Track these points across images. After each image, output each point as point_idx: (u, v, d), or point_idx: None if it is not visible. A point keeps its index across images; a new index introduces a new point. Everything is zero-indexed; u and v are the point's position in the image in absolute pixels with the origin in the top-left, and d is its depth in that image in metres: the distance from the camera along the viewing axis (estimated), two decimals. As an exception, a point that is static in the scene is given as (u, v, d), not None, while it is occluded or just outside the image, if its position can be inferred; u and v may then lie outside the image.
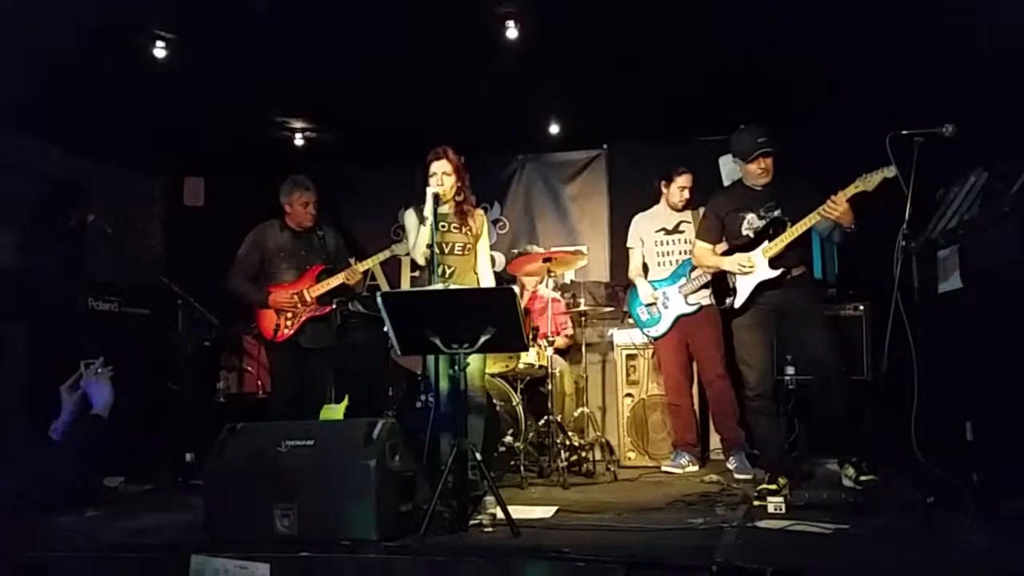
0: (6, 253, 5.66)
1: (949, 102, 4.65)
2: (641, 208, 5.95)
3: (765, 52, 5.27)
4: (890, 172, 4.04)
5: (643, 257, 5.83)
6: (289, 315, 5.21)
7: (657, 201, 5.81)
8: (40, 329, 5.13)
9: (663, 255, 5.74)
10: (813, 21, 4.81)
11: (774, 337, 4.56)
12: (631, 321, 5.99)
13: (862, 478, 4.27)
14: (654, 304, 5.70)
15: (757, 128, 4.54)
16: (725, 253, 4.66)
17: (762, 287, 4.47)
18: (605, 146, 7.23)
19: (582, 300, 6.02)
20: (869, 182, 4.14)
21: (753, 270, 4.47)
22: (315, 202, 5.34)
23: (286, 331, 5.20)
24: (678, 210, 5.72)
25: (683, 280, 5.60)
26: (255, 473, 3.56)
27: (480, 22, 4.90)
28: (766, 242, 4.45)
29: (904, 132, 3.92)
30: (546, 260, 5.55)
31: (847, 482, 4.31)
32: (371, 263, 5.44)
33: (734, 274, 4.58)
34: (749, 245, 4.53)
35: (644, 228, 5.82)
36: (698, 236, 4.90)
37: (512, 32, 4.93)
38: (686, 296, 5.57)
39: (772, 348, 4.57)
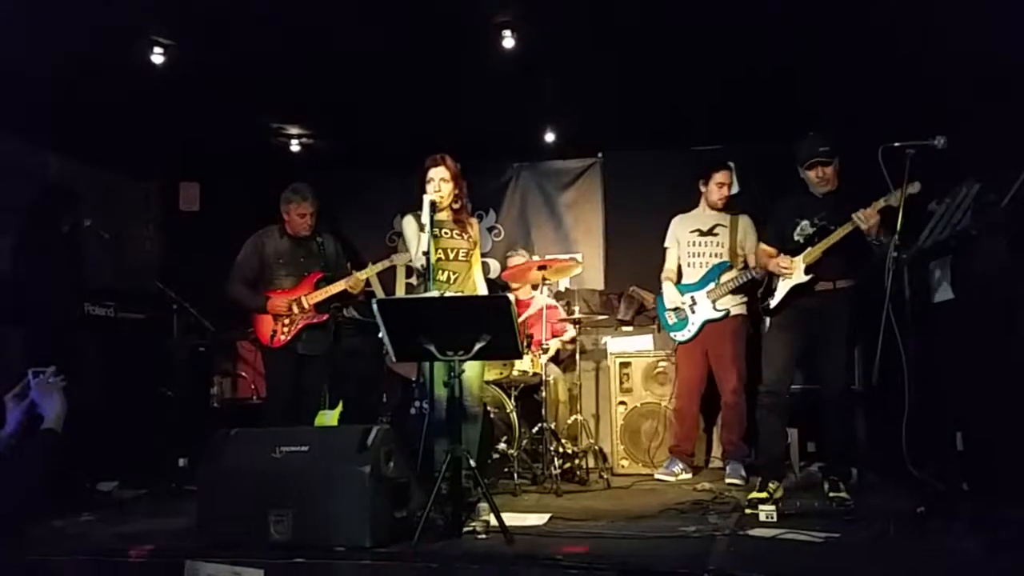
0: (1, 257, 5.65)
1: (941, 114, 4.69)
2: (636, 215, 5.98)
3: (761, 63, 5.30)
4: (914, 188, 4.05)
5: (678, 259, 5.78)
6: (286, 321, 5.22)
7: (697, 203, 5.77)
8: (36, 334, 5.12)
9: (694, 256, 5.68)
10: (809, 32, 4.85)
11: (802, 343, 4.56)
12: (625, 329, 6.00)
13: (831, 493, 4.32)
14: (680, 308, 5.66)
15: (822, 136, 4.52)
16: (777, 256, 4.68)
17: (797, 291, 4.51)
18: (600, 154, 7.26)
19: (576, 308, 6.04)
20: (896, 198, 4.12)
21: (791, 273, 4.51)
22: (313, 213, 5.33)
23: (282, 337, 5.21)
24: (718, 209, 5.67)
25: (712, 285, 5.55)
26: (249, 479, 3.57)
27: (477, 31, 4.92)
28: (809, 248, 4.49)
29: (896, 144, 3.96)
30: (541, 268, 5.56)
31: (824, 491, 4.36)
32: (371, 272, 5.41)
33: (777, 276, 4.62)
34: (798, 250, 4.55)
35: (680, 229, 5.76)
36: (761, 238, 4.97)
37: (509, 41, 4.96)
38: (714, 301, 5.53)
39: (796, 354, 4.58)
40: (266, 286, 5.31)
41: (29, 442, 2.91)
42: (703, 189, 5.70)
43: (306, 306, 5.23)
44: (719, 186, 5.63)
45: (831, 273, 4.46)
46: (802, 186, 4.64)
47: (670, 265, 5.80)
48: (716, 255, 5.62)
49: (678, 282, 5.74)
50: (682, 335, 5.67)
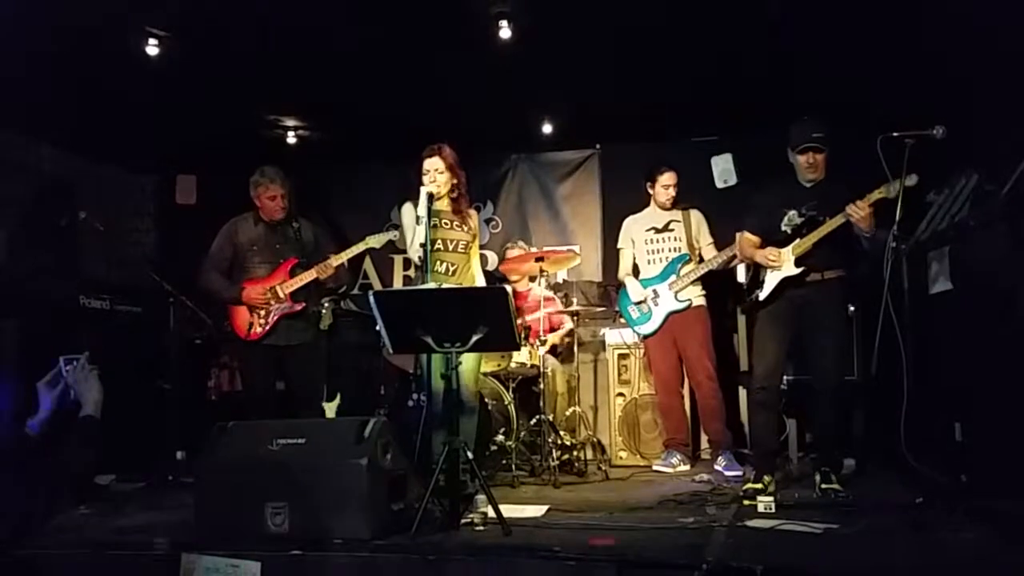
0: (-3, 249, 5.66)
1: (940, 104, 4.67)
2: (633, 208, 5.98)
3: (759, 53, 5.28)
4: (911, 181, 4.02)
5: (633, 258, 5.87)
6: (262, 312, 5.02)
7: (647, 203, 5.84)
8: (32, 326, 5.11)
9: (653, 253, 5.77)
10: (807, 22, 4.83)
11: (792, 335, 4.53)
12: (623, 320, 6.01)
13: (823, 486, 4.30)
14: (644, 302, 5.73)
15: (817, 122, 4.43)
16: (763, 246, 4.62)
17: (787, 284, 4.46)
18: (598, 146, 7.25)
19: (574, 299, 6.03)
20: (891, 190, 4.09)
21: (780, 265, 4.46)
22: (284, 194, 5.11)
23: (259, 329, 5.01)
24: (666, 209, 5.76)
25: (673, 277, 5.64)
26: (246, 471, 3.56)
27: (474, 21, 4.90)
28: (797, 239, 4.45)
29: (895, 134, 3.94)
30: (538, 259, 5.56)
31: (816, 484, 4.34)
32: (345, 256, 5.19)
33: (764, 268, 4.56)
34: (785, 241, 4.49)
35: (635, 229, 5.87)
36: (746, 226, 4.80)
37: (506, 32, 4.94)
38: (676, 293, 5.61)
39: (787, 347, 4.54)
40: (241, 275, 5.10)
41: (70, 428, 2.91)
42: (651, 191, 5.79)
43: (282, 295, 5.02)
44: (665, 188, 5.73)
45: (820, 264, 4.41)
46: (789, 175, 4.58)
47: (625, 265, 5.92)
48: (675, 249, 5.71)
49: (636, 279, 5.84)
50: (646, 328, 5.75)
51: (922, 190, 4.76)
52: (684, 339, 5.63)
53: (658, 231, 5.76)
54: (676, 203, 5.76)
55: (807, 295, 4.45)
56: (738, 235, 4.91)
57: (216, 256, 5.13)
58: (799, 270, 4.41)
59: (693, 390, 5.77)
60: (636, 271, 5.87)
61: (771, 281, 4.51)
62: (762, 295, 4.55)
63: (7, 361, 4.95)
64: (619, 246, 5.96)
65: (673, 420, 5.74)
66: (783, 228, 4.52)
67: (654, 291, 5.71)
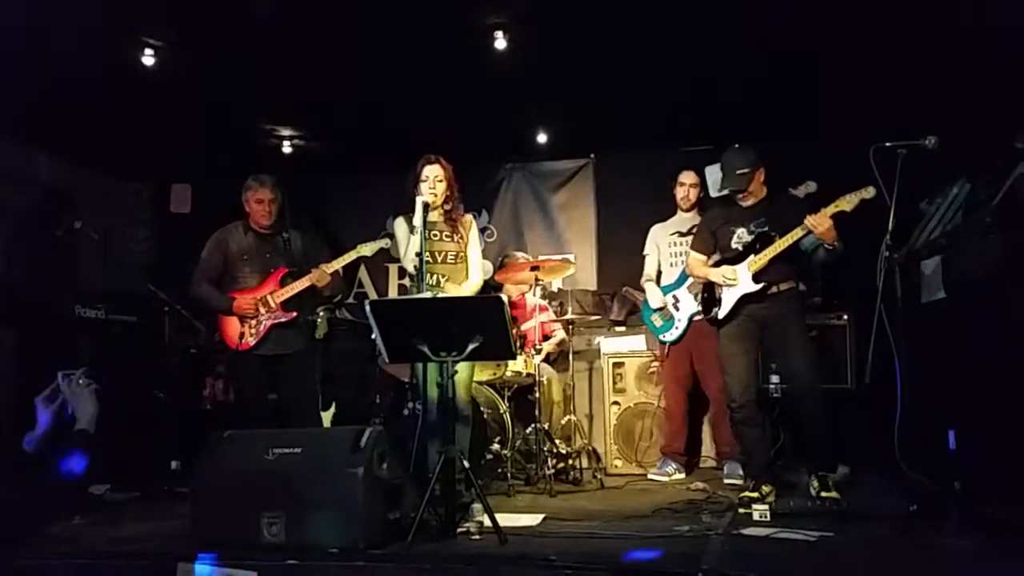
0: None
1: (932, 114, 4.70)
2: (627, 216, 6.00)
3: (752, 62, 5.32)
4: (868, 193, 4.10)
5: (658, 264, 5.86)
6: (253, 322, 4.96)
7: (674, 211, 5.85)
8: (28, 336, 5.10)
9: (676, 256, 5.76)
10: (800, 33, 4.86)
11: (758, 349, 4.58)
12: (618, 329, 6.02)
13: (823, 494, 4.31)
14: (664, 308, 5.73)
15: (739, 157, 4.55)
16: (715, 265, 4.71)
17: (745, 300, 4.53)
18: (592, 155, 7.27)
19: (569, 308, 6.03)
20: (848, 202, 4.19)
21: (736, 283, 4.53)
22: (272, 199, 5.04)
23: (250, 340, 4.95)
24: (683, 210, 5.76)
25: (690, 280, 5.60)
26: (242, 481, 3.56)
27: (470, 32, 4.93)
28: (751, 256, 4.50)
29: (888, 144, 3.97)
30: (534, 268, 5.56)
31: (812, 492, 4.35)
32: (337, 264, 5.11)
33: (720, 286, 4.63)
34: (737, 258, 4.58)
35: (660, 235, 5.87)
36: (691, 247, 4.97)
37: (501, 42, 4.97)
38: (695, 294, 5.58)
39: (756, 360, 4.60)
40: (231, 285, 5.04)
41: (63, 443, 2.92)
42: (675, 192, 5.80)
43: (272, 304, 4.96)
44: (682, 185, 5.74)
45: (775, 277, 4.49)
46: (729, 197, 4.73)
47: (648, 270, 5.91)
48: None
49: (658, 285, 5.83)
50: (671, 335, 5.73)
51: (915, 199, 4.79)
52: (700, 351, 5.57)
53: (682, 235, 5.73)
54: (696, 207, 5.74)
55: (766, 309, 4.53)
56: (688, 258, 4.99)
57: (206, 266, 5.07)
58: (759, 286, 4.48)
59: (693, 399, 5.75)
60: (660, 278, 5.85)
61: (729, 299, 4.59)
62: (721, 313, 4.62)
63: (5, 369, 4.95)
64: (644, 252, 5.94)
65: (674, 428, 5.74)
66: (734, 246, 4.62)
67: (674, 296, 5.70)
